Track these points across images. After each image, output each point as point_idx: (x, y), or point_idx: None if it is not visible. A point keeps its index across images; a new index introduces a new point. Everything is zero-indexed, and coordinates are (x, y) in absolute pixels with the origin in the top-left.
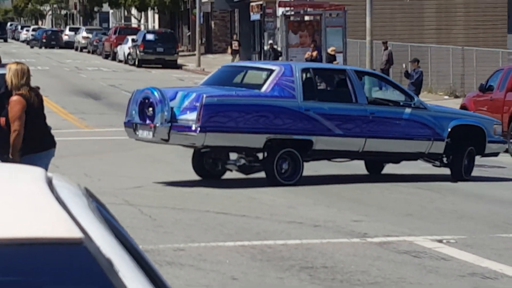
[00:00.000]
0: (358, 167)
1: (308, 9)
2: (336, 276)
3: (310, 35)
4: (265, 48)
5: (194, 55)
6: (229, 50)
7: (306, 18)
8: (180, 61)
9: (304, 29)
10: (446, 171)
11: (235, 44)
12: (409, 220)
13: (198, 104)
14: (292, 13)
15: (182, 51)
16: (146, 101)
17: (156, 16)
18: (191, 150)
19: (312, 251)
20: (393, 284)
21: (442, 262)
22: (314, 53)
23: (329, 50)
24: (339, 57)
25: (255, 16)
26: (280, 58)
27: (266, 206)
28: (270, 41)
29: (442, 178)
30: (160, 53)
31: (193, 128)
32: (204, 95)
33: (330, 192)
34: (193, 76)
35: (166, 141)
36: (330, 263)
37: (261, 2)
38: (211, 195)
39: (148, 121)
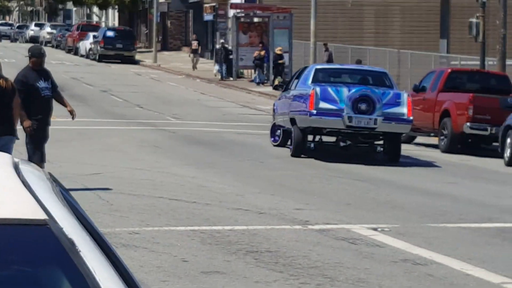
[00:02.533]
0: (303, 161)
1: (257, 12)
2: (279, 260)
3: (258, 36)
4: (217, 46)
5: (151, 51)
6: (188, 49)
7: (255, 19)
8: (138, 57)
9: (253, 30)
10: (384, 164)
11: (194, 44)
12: (347, 209)
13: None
14: (243, 14)
15: (140, 47)
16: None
17: (116, 14)
18: (147, 141)
19: (258, 236)
20: (331, 268)
21: (377, 248)
22: (262, 52)
23: (276, 50)
24: (286, 57)
25: (208, 17)
26: (230, 56)
27: (215, 194)
28: (222, 40)
29: (380, 171)
30: (119, 49)
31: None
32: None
33: (275, 182)
34: (149, 71)
35: None
36: (274, 248)
37: (214, 4)
38: (165, 183)
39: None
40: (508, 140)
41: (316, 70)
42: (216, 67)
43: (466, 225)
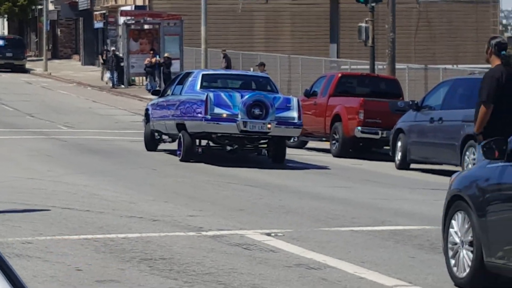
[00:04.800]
0: (195, 166)
1: (148, 18)
2: (173, 267)
3: (149, 43)
4: (108, 54)
5: (41, 60)
6: (100, 60)
7: (146, 26)
8: (28, 65)
9: (144, 37)
10: (274, 168)
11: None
12: (241, 214)
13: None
14: (133, 22)
15: (30, 56)
16: None
17: (6, 23)
18: (39, 150)
19: (151, 244)
20: (226, 275)
21: (271, 253)
22: (153, 60)
23: (165, 55)
24: (176, 63)
25: (98, 24)
26: (121, 64)
27: (108, 202)
28: (113, 48)
29: (272, 175)
30: (9, 57)
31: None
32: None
33: (168, 189)
34: (40, 79)
35: None
36: (168, 255)
37: (104, 11)
38: (57, 192)
39: None
40: (399, 143)
41: (203, 75)
42: (107, 74)
43: (358, 228)
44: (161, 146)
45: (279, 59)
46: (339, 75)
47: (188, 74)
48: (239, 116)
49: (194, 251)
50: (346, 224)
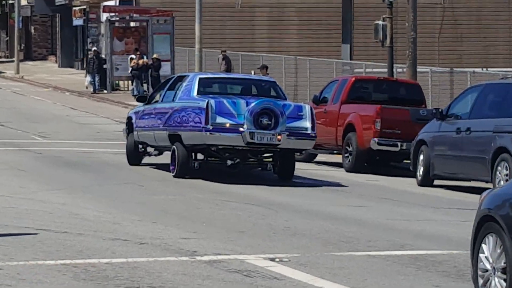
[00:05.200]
0: (187, 182)
1: (134, 15)
2: None
3: (136, 42)
4: (89, 55)
5: (13, 61)
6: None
7: (132, 24)
8: None
9: (129, 36)
10: (278, 185)
11: (91, 53)
12: (240, 237)
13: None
14: (117, 18)
15: (0, 57)
16: None
17: None
18: (9, 164)
19: (139, 270)
20: None
21: (275, 281)
22: (141, 61)
23: (154, 56)
24: (167, 65)
25: (77, 21)
26: (104, 66)
27: (89, 222)
28: (94, 48)
29: (275, 193)
30: None
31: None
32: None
33: (157, 207)
34: (11, 83)
35: None
36: (158, 282)
37: (84, 7)
38: (31, 211)
39: None
40: (421, 157)
41: (200, 80)
42: (88, 78)
43: (375, 253)
44: (147, 159)
45: (284, 61)
46: (353, 79)
47: (181, 78)
48: (245, 126)
49: (188, 278)
50: (361, 248)
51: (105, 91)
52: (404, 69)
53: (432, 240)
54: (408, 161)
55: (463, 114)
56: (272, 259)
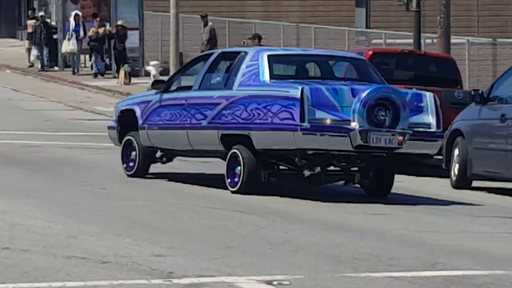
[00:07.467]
0: (160, 184)
1: None
2: None
3: (95, 6)
4: (35, 23)
5: None
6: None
7: None
8: None
9: None
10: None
11: (30, 25)
12: (228, 254)
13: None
14: None
15: None
16: None
17: None
18: None
19: None
20: None
21: None
22: (101, 30)
23: (119, 23)
24: (134, 35)
25: None
26: (54, 36)
27: (37, 235)
28: (42, 13)
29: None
30: None
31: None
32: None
33: (124, 216)
34: None
35: None
36: None
37: None
38: None
39: None
40: (456, 152)
41: (270, 58)
42: (34, 52)
43: (399, 274)
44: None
45: (283, 30)
46: (370, 52)
47: (230, 55)
48: (356, 122)
49: None
50: (381, 268)
51: (56, 68)
52: (435, 40)
53: (471, 257)
54: (440, 157)
55: (510, 97)
56: (269, 282)
